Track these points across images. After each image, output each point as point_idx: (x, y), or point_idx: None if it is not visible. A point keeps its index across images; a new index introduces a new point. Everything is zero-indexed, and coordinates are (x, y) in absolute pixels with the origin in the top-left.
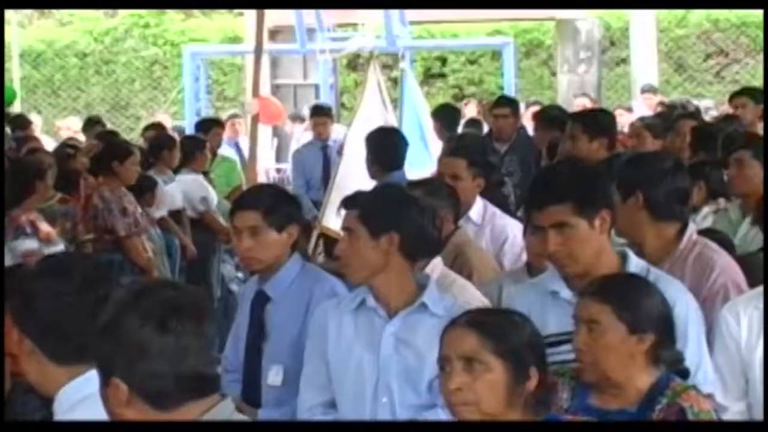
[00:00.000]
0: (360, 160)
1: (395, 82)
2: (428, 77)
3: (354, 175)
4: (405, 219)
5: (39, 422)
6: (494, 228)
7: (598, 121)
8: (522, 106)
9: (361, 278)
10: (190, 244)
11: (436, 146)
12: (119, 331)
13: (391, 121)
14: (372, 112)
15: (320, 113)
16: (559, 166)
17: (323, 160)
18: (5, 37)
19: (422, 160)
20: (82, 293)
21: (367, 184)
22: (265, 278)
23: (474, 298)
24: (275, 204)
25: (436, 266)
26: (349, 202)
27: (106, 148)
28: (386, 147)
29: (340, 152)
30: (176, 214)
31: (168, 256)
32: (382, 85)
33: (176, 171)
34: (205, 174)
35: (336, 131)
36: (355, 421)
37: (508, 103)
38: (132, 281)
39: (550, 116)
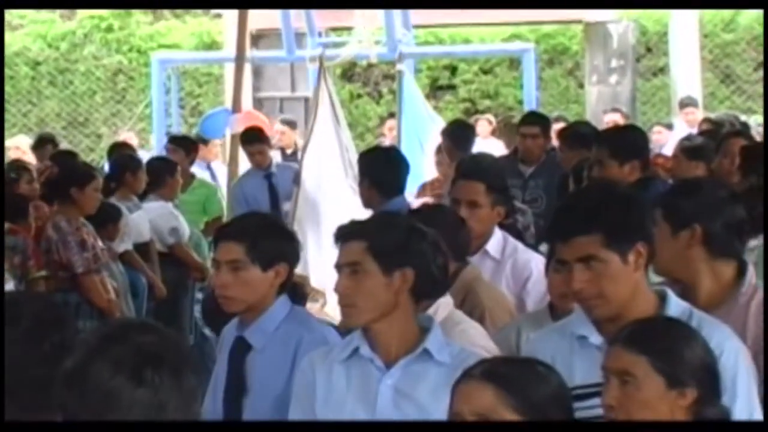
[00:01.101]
0: (322, 187)
1: (380, 93)
2: (435, 89)
3: (318, 205)
4: (418, 253)
5: (39, 422)
6: (516, 264)
7: (627, 141)
8: None
9: (367, 321)
10: (158, 282)
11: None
12: (86, 382)
13: (346, 140)
14: (324, 131)
15: (253, 140)
16: (588, 190)
17: (269, 191)
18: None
19: (417, 175)
20: (34, 340)
21: (339, 214)
22: (247, 323)
23: (478, 343)
24: (262, 236)
25: (441, 307)
26: (349, 233)
27: (64, 171)
28: (384, 170)
29: (296, 181)
30: (143, 248)
31: (133, 297)
32: (334, 97)
33: (142, 197)
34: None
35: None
36: (356, 421)
37: (538, 120)
38: (102, 323)
39: (578, 134)
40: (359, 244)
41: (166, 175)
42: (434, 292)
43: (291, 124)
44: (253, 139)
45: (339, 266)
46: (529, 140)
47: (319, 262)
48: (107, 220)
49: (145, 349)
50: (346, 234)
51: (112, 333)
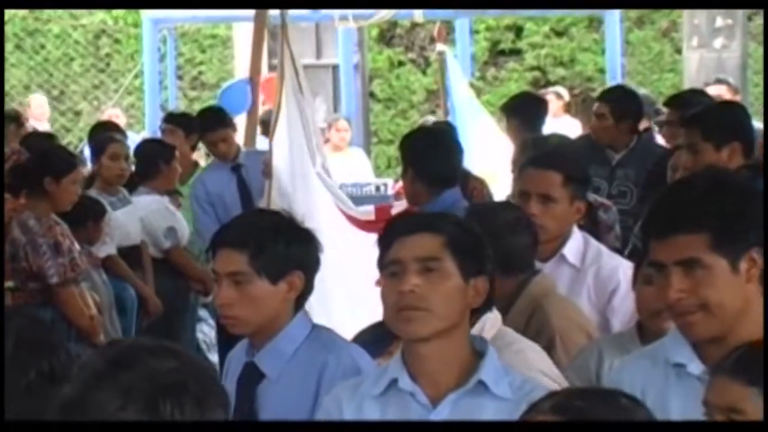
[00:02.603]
0: (295, 179)
1: (426, 61)
2: (496, 55)
3: (294, 202)
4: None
5: (39, 422)
6: (600, 273)
7: (723, 120)
8: None
9: (435, 332)
10: (151, 294)
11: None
12: (87, 414)
13: (310, 116)
14: (290, 106)
15: (213, 125)
16: (693, 179)
17: (238, 187)
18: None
19: None
20: (18, 367)
21: (313, 214)
22: (258, 346)
23: (537, 368)
24: (268, 241)
25: (488, 323)
26: (417, 223)
27: (36, 157)
28: (432, 156)
29: (266, 172)
30: (132, 253)
31: (120, 313)
32: (296, 61)
33: (131, 190)
34: (173, 194)
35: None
36: (356, 422)
37: (622, 96)
38: (110, 343)
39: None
40: (435, 238)
41: (159, 161)
42: (489, 304)
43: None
44: (213, 123)
45: (403, 261)
46: (604, 121)
47: None
48: (86, 218)
49: (162, 377)
50: (412, 225)
51: (122, 356)
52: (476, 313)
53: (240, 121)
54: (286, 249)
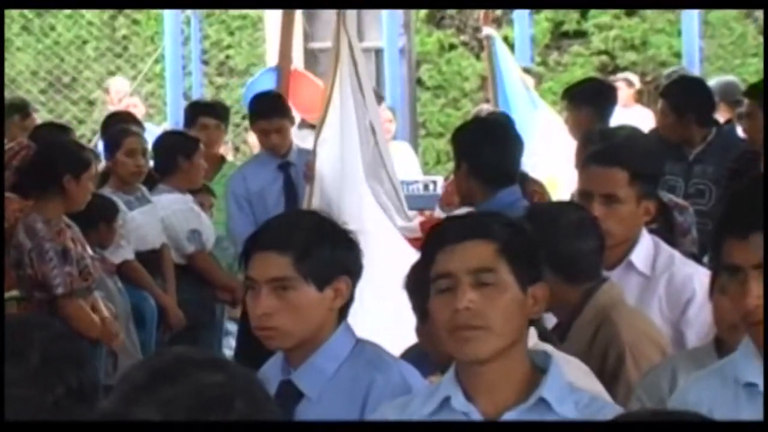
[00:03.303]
0: (343, 186)
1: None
2: (559, 37)
3: (341, 212)
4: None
5: (39, 422)
6: (672, 281)
7: None
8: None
9: (496, 351)
10: (173, 305)
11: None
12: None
13: (375, 121)
14: (344, 105)
15: (268, 112)
16: None
17: (285, 188)
18: None
19: None
20: (44, 382)
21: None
22: (296, 362)
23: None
24: (314, 243)
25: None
26: (467, 228)
27: (52, 153)
28: (488, 149)
29: (308, 176)
30: (151, 258)
31: (139, 325)
32: (358, 59)
33: (150, 187)
34: (198, 192)
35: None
36: (356, 422)
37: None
38: (156, 353)
39: None
40: (487, 245)
41: (178, 156)
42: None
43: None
44: (269, 111)
45: (454, 274)
46: (666, 118)
47: None
48: (97, 220)
49: (207, 392)
50: (460, 230)
51: (165, 368)
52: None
53: None
54: (332, 252)
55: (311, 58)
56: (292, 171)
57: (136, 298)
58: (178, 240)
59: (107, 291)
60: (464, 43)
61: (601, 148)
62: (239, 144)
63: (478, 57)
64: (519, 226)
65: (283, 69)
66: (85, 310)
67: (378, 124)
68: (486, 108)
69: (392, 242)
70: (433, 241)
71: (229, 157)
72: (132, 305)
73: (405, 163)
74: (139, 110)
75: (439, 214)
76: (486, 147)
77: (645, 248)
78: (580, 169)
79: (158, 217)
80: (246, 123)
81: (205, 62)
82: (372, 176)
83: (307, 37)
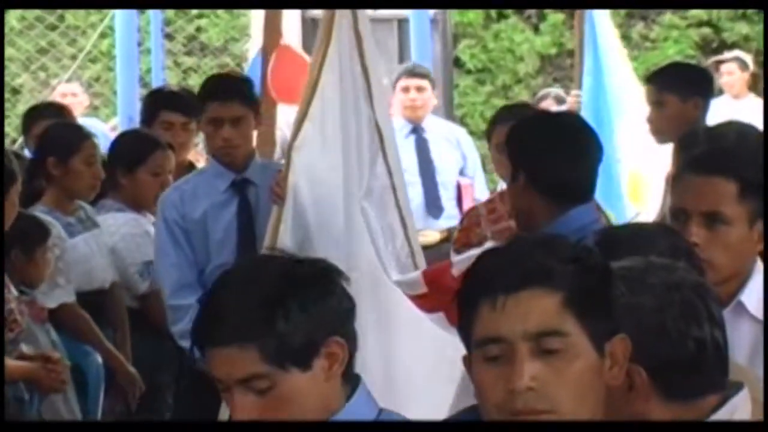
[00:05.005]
0: (328, 201)
1: (540, 12)
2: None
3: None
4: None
5: (39, 422)
6: None
7: None
8: None
9: None
10: (123, 363)
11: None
12: None
13: (385, 121)
14: (336, 98)
15: (415, 72)
16: None
17: (239, 212)
18: None
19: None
20: None
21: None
22: None
23: None
24: (284, 317)
25: None
26: (520, 269)
27: None
28: (556, 156)
29: (278, 196)
30: (97, 300)
31: (79, 389)
32: (363, 30)
33: (94, 202)
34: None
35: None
36: (356, 421)
37: None
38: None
39: None
40: (550, 296)
41: (138, 163)
42: None
43: (427, 76)
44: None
45: (508, 339)
46: None
47: None
48: (25, 247)
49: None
50: (513, 273)
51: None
52: None
53: None
54: (310, 317)
55: (309, 26)
56: (251, 192)
57: (76, 353)
58: (128, 275)
59: (36, 344)
60: (517, 12)
61: (702, 152)
62: None
63: (536, 29)
64: (588, 263)
65: (267, 52)
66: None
67: (389, 126)
68: (555, 91)
69: (386, 291)
70: (473, 289)
71: (200, 164)
72: (72, 364)
73: None
74: (81, 100)
75: (455, 258)
76: (552, 152)
77: (759, 285)
78: (674, 180)
79: (107, 246)
80: None
81: (169, 36)
82: (368, 198)
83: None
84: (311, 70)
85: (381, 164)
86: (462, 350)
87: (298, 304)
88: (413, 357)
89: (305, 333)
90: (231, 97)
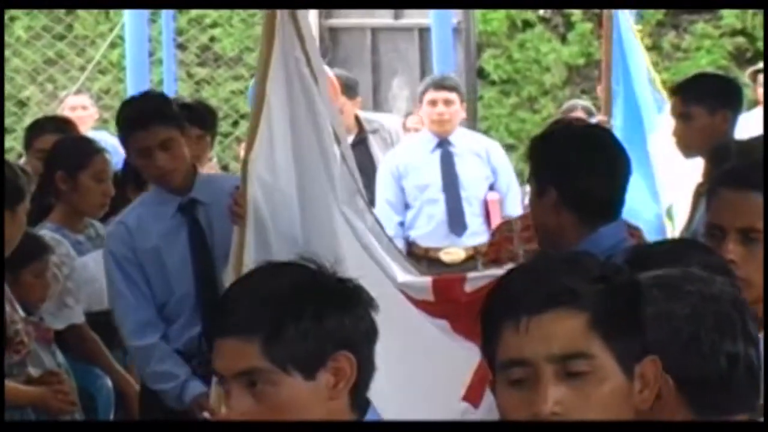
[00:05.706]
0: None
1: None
2: (676, 12)
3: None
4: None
5: (39, 422)
6: None
7: None
8: None
9: None
10: (132, 384)
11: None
12: None
13: (338, 126)
14: (283, 105)
15: (443, 84)
16: None
17: (190, 236)
18: None
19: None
20: None
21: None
22: None
23: None
24: (289, 317)
25: None
26: (544, 289)
27: None
28: (584, 172)
29: (238, 215)
30: (107, 319)
31: (88, 414)
32: (305, 33)
33: (104, 219)
34: None
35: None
36: (356, 421)
37: None
38: None
39: None
40: (576, 318)
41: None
42: None
43: (350, 88)
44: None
45: (532, 362)
46: None
47: None
48: (27, 266)
49: None
50: (536, 293)
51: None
52: None
53: None
54: (317, 324)
55: (329, 36)
56: (200, 212)
57: (85, 377)
58: None
59: (41, 367)
60: (544, 20)
61: (736, 166)
62: (228, 160)
63: (563, 39)
64: (615, 281)
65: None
66: (13, 392)
67: (341, 130)
68: (581, 103)
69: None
70: (496, 309)
71: None
72: (79, 387)
73: None
74: (90, 112)
75: (471, 274)
76: (582, 167)
77: None
78: (707, 195)
79: None
80: (239, 132)
81: (181, 46)
82: (346, 203)
83: (325, 13)
84: (256, 81)
85: (345, 172)
86: (460, 355)
87: (313, 311)
88: (412, 358)
89: (314, 340)
90: (151, 121)
